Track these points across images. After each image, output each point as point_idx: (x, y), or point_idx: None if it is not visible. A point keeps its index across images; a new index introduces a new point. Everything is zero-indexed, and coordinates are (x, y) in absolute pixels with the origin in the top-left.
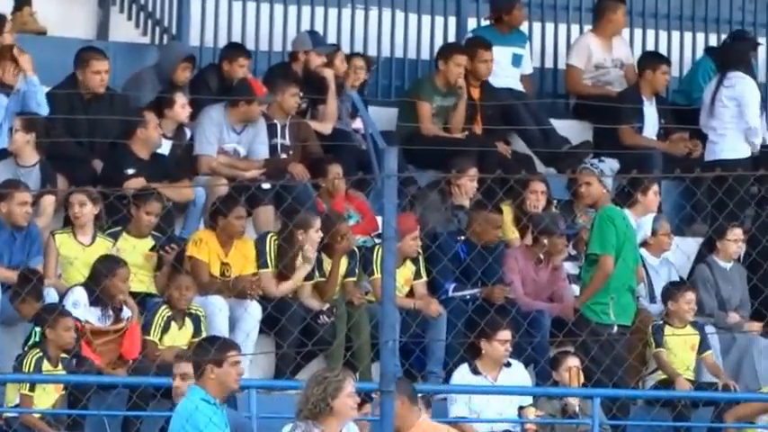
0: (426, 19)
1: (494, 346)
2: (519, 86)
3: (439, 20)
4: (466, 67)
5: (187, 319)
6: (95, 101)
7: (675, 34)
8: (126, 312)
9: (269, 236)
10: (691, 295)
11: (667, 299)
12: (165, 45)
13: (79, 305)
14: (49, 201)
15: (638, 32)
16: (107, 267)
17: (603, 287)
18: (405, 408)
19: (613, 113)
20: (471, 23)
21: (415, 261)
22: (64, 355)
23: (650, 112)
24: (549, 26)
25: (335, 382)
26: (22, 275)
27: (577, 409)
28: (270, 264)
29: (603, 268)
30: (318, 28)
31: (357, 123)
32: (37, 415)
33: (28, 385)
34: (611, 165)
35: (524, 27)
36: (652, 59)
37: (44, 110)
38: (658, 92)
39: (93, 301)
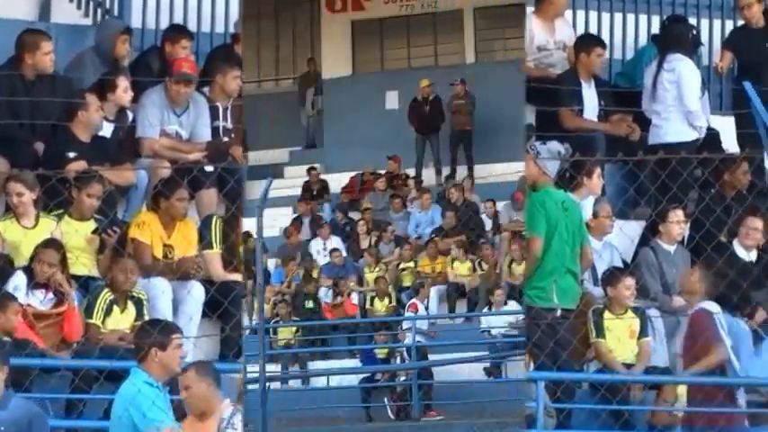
0: None
1: None
2: None
3: None
4: None
5: (129, 303)
6: (38, 82)
7: (618, 16)
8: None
9: (213, 218)
10: (630, 281)
11: (607, 284)
12: (101, 23)
13: (19, 289)
14: None
15: (580, 14)
16: (35, 250)
17: (540, 270)
18: (210, 391)
19: (554, 96)
20: None
21: None
22: (6, 339)
23: (589, 94)
24: None
25: None
26: None
27: None
28: (215, 245)
29: (531, 251)
30: None
31: None
32: None
33: None
34: (550, 147)
35: None
36: (587, 42)
37: None
38: (594, 74)
39: (35, 285)
